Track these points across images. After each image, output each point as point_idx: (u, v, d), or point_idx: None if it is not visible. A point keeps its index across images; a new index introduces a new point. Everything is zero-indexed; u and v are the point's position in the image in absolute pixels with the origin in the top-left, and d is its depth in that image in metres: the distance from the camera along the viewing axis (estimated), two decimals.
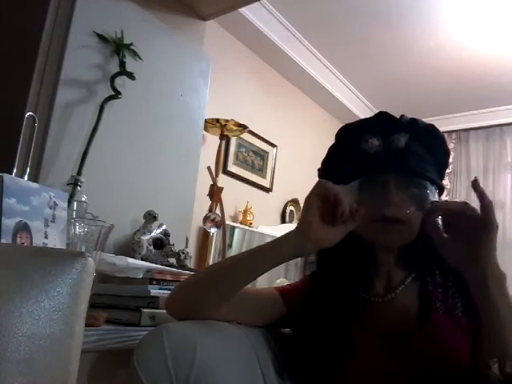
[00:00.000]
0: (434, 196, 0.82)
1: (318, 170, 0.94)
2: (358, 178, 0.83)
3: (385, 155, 0.82)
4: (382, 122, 0.86)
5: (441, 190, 0.86)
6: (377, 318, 0.83)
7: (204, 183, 2.07)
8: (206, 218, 2.07)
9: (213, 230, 2.10)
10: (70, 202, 1.13)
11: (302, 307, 0.86)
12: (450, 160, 3.90)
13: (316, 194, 0.75)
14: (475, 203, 0.72)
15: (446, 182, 3.70)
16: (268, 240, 0.85)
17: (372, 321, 0.83)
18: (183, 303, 0.81)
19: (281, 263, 0.77)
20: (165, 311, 0.88)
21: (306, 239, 0.75)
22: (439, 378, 0.75)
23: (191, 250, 1.86)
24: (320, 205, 0.74)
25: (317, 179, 0.97)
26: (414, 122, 0.86)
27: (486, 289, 0.70)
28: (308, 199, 0.75)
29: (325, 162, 0.93)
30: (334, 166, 0.90)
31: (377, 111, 0.90)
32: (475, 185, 0.71)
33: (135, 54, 1.48)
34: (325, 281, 0.87)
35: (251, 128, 2.59)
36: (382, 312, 0.84)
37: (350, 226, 0.76)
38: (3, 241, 0.82)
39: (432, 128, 0.87)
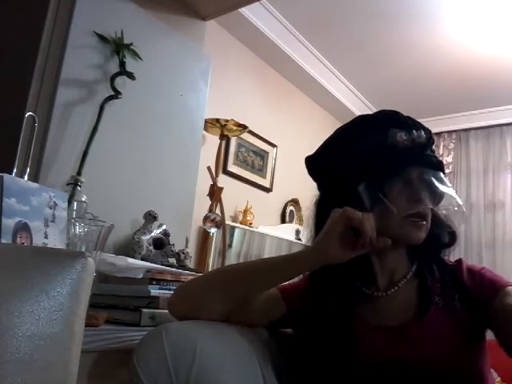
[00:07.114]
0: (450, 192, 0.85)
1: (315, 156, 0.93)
2: (388, 172, 0.82)
3: (413, 149, 0.83)
4: (403, 119, 0.86)
5: None
6: (378, 312, 0.85)
7: (204, 183, 2.07)
8: (205, 218, 2.06)
9: (213, 230, 2.09)
10: (70, 202, 1.14)
11: (302, 306, 0.87)
12: (450, 160, 3.91)
13: (341, 222, 0.75)
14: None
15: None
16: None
17: (374, 314, 0.85)
18: (188, 303, 0.82)
19: (294, 277, 0.84)
20: (165, 311, 0.88)
21: (323, 259, 0.78)
22: (437, 368, 0.77)
23: (191, 250, 1.85)
24: (342, 230, 0.75)
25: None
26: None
27: None
28: (332, 225, 0.76)
29: (334, 149, 0.89)
30: (350, 156, 0.86)
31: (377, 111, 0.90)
32: None
33: (135, 54, 1.48)
34: (326, 280, 0.87)
35: (251, 128, 2.59)
36: (383, 305, 0.85)
37: (366, 251, 0.77)
38: (3, 241, 0.82)
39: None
